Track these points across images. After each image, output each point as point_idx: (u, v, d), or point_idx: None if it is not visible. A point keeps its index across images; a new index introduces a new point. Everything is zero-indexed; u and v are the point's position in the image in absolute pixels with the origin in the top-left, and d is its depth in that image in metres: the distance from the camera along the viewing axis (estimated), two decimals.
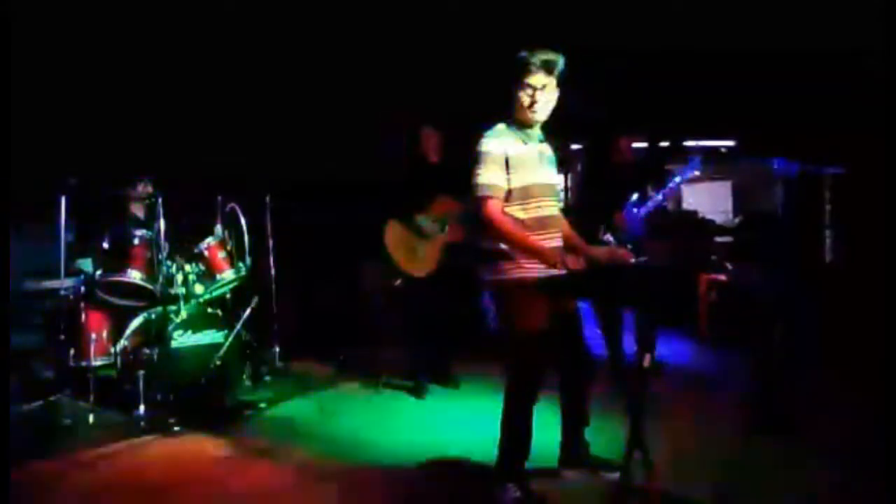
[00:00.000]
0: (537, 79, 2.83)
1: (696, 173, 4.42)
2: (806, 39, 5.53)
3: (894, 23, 4.45)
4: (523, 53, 2.84)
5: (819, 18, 5.30)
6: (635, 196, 4.66)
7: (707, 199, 7.64)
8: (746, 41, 5.81)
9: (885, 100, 4.82)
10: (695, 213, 7.42)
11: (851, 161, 3.86)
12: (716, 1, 5.68)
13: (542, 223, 2.88)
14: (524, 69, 2.83)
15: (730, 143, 6.90)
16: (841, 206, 3.92)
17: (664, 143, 7.16)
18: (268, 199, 4.99)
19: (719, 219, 7.35)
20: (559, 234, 2.98)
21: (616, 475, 2.86)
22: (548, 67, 2.82)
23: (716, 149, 6.60)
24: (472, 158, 2.89)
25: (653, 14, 5.77)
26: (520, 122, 2.93)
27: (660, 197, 4.49)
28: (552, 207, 2.95)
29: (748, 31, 5.72)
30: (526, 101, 2.86)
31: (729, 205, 7.72)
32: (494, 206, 2.82)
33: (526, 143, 2.92)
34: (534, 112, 2.87)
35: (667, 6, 5.72)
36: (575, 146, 7.56)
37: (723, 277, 6.04)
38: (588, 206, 4.97)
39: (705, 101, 6.38)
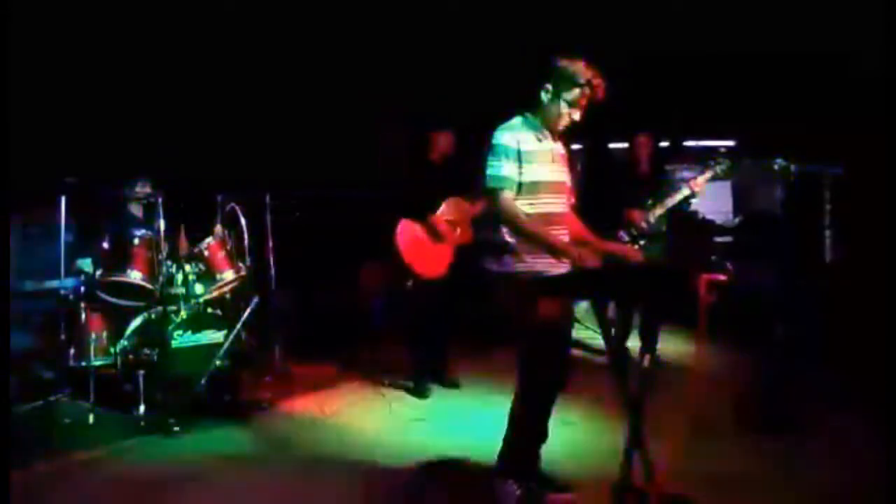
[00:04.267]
0: (585, 100, 2.84)
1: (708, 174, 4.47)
2: (805, 40, 5.52)
3: (893, 23, 4.44)
4: (576, 69, 2.81)
5: (818, 19, 5.30)
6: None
7: (707, 199, 7.62)
8: (746, 42, 5.80)
9: (884, 100, 4.81)
10: (695, 213, 7.40)
11: (851, 161, 3.86)
12: (716, 1, 5.68)
13: (547, 219, 2.87)
14: (579, 87, 2.81)
15: (730, 143, 6.89)
16: (841, 206, 3.92)
17: (664, 143, 7.16)
18: (268, 199, 4.98)
19: (719, 219, 7.34)
20: (565, 232, 2.97)
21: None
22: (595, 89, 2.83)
23: (716, 149, 6.60)
24: (486, 150, 2.89)
25: (653, 14, 5.76)
26: (542, 123, 2.93)
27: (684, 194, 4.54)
28: (560, 205, 2.96)
29: (748, 31, 5.71)
30: (566, 115, 2.87)
31: (729, 205, 7.70)
32: (506, 198, 2.82)
33: (540, 141, 2.92)
34: (568, 125, 2.91)
35: (667, 6, 5.72)
36: (575, 146, 7.55)
37: (723, 277, 6.02)
38: (594, 204, 4.98)
39: (705, 101, 6.37)
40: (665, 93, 6.30)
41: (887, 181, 4.97)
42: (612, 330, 5.08)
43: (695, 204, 7.60)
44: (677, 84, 6.31)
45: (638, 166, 5.06)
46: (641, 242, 4.66)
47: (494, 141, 2.88)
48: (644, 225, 4.64)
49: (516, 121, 2.95)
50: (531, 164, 2.86)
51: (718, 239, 6.80)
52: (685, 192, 4.62)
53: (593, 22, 5.68)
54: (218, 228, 4.59)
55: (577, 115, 2.89)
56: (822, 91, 5.53)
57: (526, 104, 2.97)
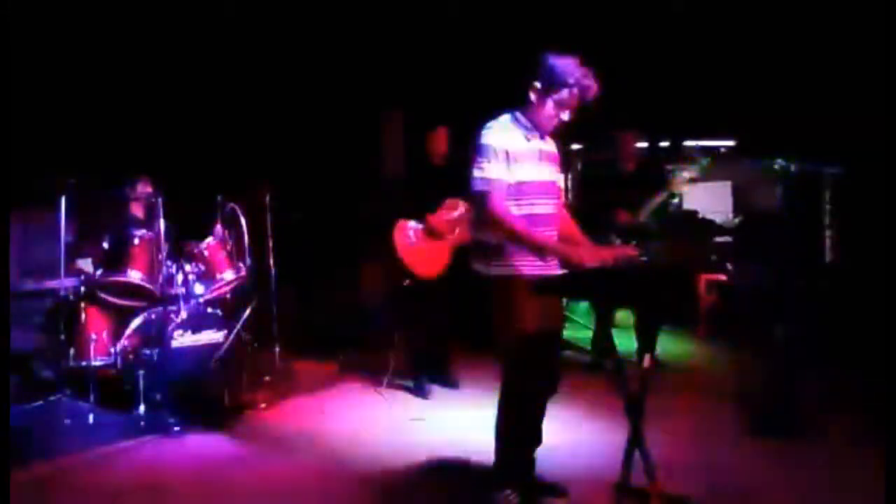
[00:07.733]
0: (575, 100, 2.74)
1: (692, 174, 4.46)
2: (805, 39, 5.52)
3: (893, 23, 4.44)
4: (566, 69, 2.70)
5: (818, 19, 5.30)
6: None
7: (707, 199, 7.63)
8: (746, 42, 5.80)
9: (884, 100, 4.81)
10: (695, 213, 7.40)
11: (851, 161, 3.85)
12: (716, 1, 5.68)
13: (533, 221, 2.77)
14: (568, 88, 2.70)
15: (730, 143, 6.89)
16: (841, 206, 3.92)
17: (664, 143, 7.16)
18: (268, 199, 4.98)
19: (719, 219, 7.34)
20: (554, 234, 2.88)
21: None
22: (585, 89, 2.73)
23: (716, 149, 6.60)
24: (473, 150, 2.79)
25: (652, 13, 5.76)
26: (530, 122, 2.83)
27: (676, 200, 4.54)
28: (547, 206, 2.86)
29: (748, 31, 5.71)
30: (555, 115, 2.77)
31: (729, 205, 7.70)
32: (497, 200, 2.72)
33: (528, 140, 2.82)
34: (557, 125, 2.82)
35: (666, 5, 5.72)
36: (575, 146, 7.55)
37: (723, 277, 6.04)
38: (590, 205, 4.98)
39: (705, 101, 6.37)
40: (665, 92, 6.30)
41: (887, 181, 4.97)
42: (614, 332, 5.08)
43: (695, 204, 7.62)
44: (677, 84, 6.31)
45: (623, 165, 5.01)
46: (633, 243, 4.65)
47: (481, 141, 2.77)
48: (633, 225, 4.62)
49: (504, 119, 2.84)
50: (519, 164, 2.75)
51: (718, 239, 6.80)
52: (664, 193, 4.63)
53: (592, 21, 5.68)
54: (218, 228, 4.60)
55: (566, 116, 2.79)
56: (822, 91, 5.53)
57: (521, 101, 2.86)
